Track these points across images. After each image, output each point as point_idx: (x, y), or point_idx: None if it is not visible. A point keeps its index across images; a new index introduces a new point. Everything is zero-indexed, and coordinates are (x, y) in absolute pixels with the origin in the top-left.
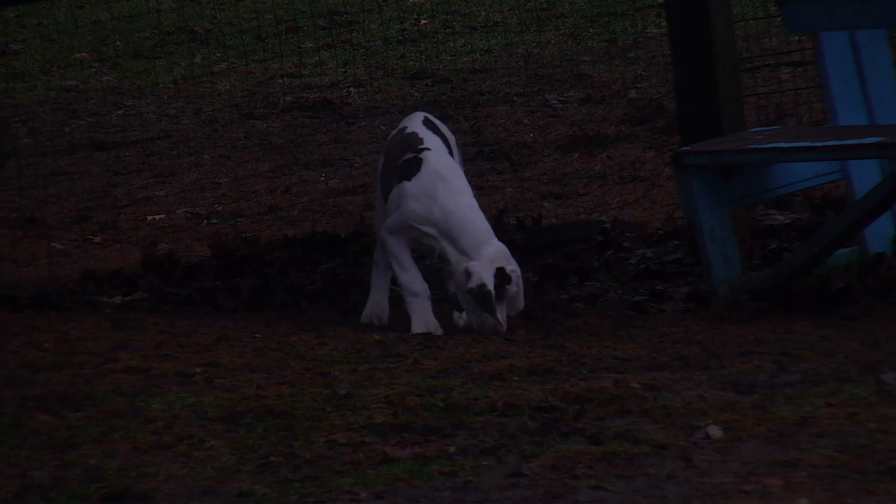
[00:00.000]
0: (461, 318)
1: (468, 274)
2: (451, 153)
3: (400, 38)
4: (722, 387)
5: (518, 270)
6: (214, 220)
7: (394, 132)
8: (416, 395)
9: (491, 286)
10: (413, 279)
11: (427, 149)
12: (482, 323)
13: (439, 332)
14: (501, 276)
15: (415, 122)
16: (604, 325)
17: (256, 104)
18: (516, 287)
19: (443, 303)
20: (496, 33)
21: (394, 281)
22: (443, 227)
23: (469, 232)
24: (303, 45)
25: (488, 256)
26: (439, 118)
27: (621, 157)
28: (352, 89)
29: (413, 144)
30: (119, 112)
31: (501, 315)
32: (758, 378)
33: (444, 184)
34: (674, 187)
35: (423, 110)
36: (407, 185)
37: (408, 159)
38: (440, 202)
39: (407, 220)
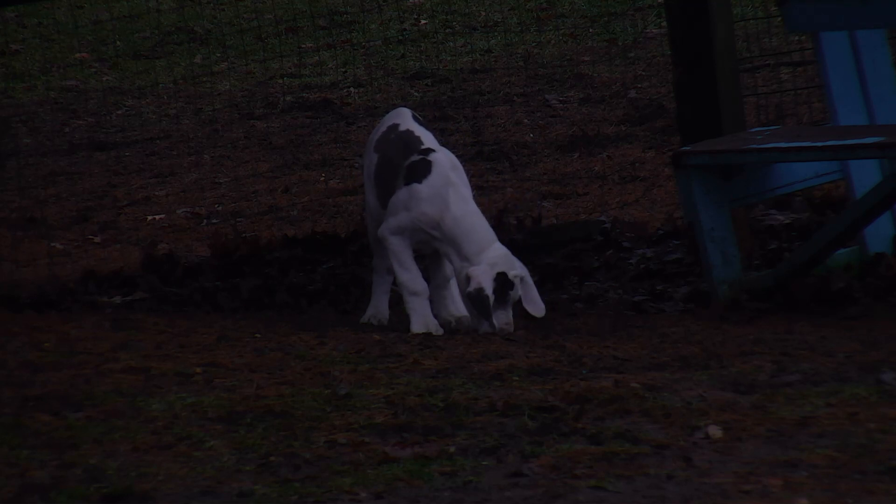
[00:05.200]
0: (454, 320)
1: (468, 279)
2: None
3: (400, 38)
4: (722, 387)
5: (524, 273)
6: (214, 220)
7: (382, 130)
8: (416, 395)
9: (489, 291)
10: (413, 279)
11: (432, 150)
12: (482, 327)
13: (439, 331)
14: (503, 280)
15: (405, 119)
16: (604, 325)
17: (256, 104)
18: (520, 292)
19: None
20: (496, 33)
21: (394, 282)
22: (449, 234)
23: (472, 239)
24: (303, 45)
25: (489, 261)
26: (440, 118)
27: (621, 157)
28: (352, 89)
29: (414, 144)
30: (119, 112)
31: (508, 316)
32: (758, 378)
33: (454, 189)
34: (674, 187)
35: (407, 108)
36: (418, 187)
37: (415, 161)
38: (451, 209)
39: (418, 223)
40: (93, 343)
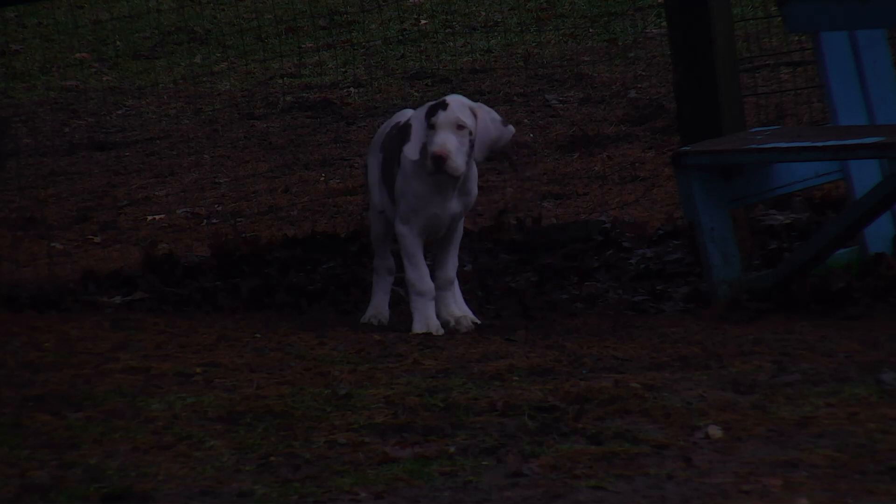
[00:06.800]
0: (454, 320)
1: None
2: None
3: (400, 38)
4: (722, 387)
5: (470, 104)
6: (214, 220)
7: (386, 130)
8: (416, 395)
9: (414, 121)
10: (421, 278)
11: None
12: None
13: (440, 332)
14: (432, 106)
15: (406, 116)
16: (604, 325)
17: (256, 104)
18: (468, 119)
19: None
20: (496, 33)
21: (396, 284)
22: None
23: None
24: (303, 45)
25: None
26: None
27: (621, 157)
28: (352, 89)
29: (409, 133)
30: (119, 112)
31: (441, 139)
32: (758, 378)
33: None
34: (674, 187)
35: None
36: (403, 157)
37: (405, 137)
38: None
39: (417, 201)
40: (93, 343)
